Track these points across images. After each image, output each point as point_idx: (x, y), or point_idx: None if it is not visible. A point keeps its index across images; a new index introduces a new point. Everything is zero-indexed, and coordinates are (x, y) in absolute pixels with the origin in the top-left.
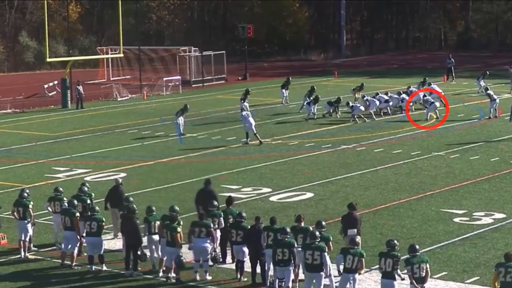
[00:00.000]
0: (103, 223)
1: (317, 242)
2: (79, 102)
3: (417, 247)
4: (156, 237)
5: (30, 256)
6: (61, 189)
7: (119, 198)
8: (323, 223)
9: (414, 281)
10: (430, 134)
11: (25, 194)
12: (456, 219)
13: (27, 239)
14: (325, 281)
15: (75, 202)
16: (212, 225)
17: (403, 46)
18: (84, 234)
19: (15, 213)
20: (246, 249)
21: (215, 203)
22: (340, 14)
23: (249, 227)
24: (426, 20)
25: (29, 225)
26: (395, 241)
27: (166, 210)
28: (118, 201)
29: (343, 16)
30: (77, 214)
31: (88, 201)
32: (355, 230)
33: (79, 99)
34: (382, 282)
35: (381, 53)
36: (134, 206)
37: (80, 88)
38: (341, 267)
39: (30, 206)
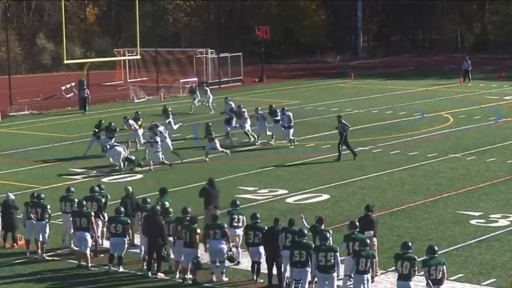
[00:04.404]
0: (129, 226)
1: (327, 244)
2: (85, 105)
3: (436, 248)
4: (171, 239)
5: (47, 257)
6: (72, 189)
7: (132, 206)
8: (356, 223)
9: (430, 282)
10: (447, 136)
11: (42, 195)
12: (473, 221)
13: (45, 239)
14: (338, 282)
15: (84, 202)
16: (226, 225)
17: (420, 48)
18: (99, 234)
19: (32, 215)
20: (262, 250)
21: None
22: (357, 16)
23: (265, 228)
24: (442, 21)
25: (47, 226)
26: (409, 243)
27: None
28: (131, 209)
29: (360, 18)
30: (92, 213)
31: (103, 200)
32: (372, 232)
33: (84, 102)
34: (398, 284)
35: (398, 55)
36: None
37: (86, 91)
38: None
39: (49, 206)
